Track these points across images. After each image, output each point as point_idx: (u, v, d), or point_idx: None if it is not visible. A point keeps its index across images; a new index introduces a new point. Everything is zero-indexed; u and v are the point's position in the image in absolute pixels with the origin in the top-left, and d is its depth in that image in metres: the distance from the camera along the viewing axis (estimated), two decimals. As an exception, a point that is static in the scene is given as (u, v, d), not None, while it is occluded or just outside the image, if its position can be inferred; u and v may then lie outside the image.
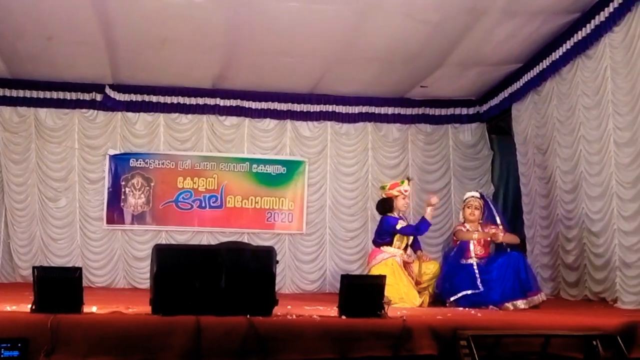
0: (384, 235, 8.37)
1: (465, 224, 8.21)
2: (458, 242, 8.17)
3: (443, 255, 8.61)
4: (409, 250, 8.44)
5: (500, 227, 8.07)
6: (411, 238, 8.46)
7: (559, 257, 8.87)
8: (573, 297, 8.37)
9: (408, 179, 8.83)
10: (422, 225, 8.28)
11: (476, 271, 7.76)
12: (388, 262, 8.09)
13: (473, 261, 7.89)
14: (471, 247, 8.00)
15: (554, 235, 9.02)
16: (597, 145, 7.91)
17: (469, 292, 7.60)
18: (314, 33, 8.59)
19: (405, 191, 8.52)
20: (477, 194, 8.41)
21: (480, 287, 7.59)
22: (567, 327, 5.55)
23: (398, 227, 8.22)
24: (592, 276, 8.00)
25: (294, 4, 7.85)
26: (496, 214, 8.28)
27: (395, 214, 8.42)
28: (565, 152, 8.70)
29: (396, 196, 8.46)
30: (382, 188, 8.79)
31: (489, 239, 8.02)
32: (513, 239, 8.19)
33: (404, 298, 7.69)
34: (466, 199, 8.37)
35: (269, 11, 8.02)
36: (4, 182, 10.64)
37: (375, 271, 7.89)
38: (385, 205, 8.55)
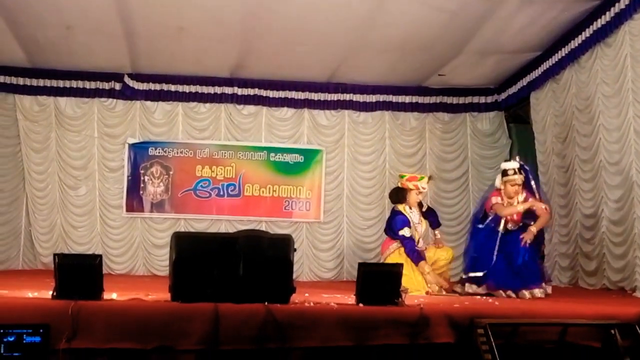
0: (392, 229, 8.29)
1: (503, 198, 7.79)
2: (491, 215, 7.83)
3: (472, 226, 8.34)
4: (421, 241, 8.35)
5: (539, 199, 7.80)
6: (424, 227, 8.40)
7: (577, 246, 8.83)
8: (591, 286, 8.33)
9: (430, 178, 8.78)
10: (414, 257, 7.98)
11: (497, 242, 7.61)
12: (402, 252, 8.08)
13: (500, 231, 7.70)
14: (502, 222, 7.73)
15: (573, 224, 8.97)
16: (616, 133, 7.85)
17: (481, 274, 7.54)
18: (331, 21, 8.58)
19: (423, 188, 8.48)
20: (517, 165, 7.79)
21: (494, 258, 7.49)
22: (585, 316, 5.54)
23: (400, 233, 8.08)
24: (610, 265, 7.96)
25: (311, -8, 7.86)
26: (535, 187, 7.93)
27: (405, 208, 8.31)
28: (584, 140, 8.64)
29: (410, 190, 8.36)
30: (401, 177, 8.74)
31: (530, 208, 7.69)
32: (545, 221, 7.85)
33: (419, 288, 7.69)
34: (507, 171, 7.72)
35: (286, 0, 8.02)
36: (25, 170, 10.76)
37: (389, 261, 7.88)
38: (398, 195, 8.44)
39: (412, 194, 8.35)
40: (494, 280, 7.41)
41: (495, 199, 7.83)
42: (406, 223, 8.13)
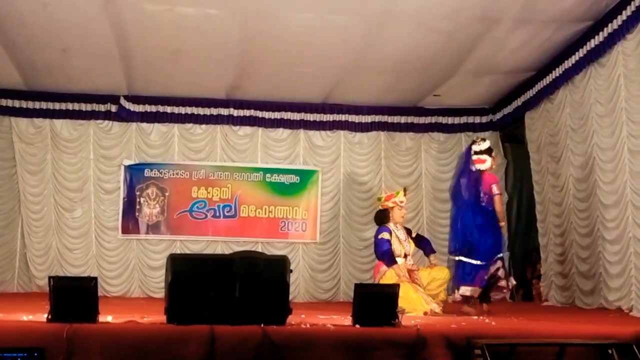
0: (376, 246, 8.34)
1: None
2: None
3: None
4: (410, 258, 8.35)
5: None
6: (412, 246, 8.41)
7: (573, 265, 8.83)
8: (588, 306, 8.32)
9: (404, 190, 8.83)
10: (386, 259, 8.09)
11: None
12: (393, 273, 8.07)
13: None
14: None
15: (569, 243, 8.98)
16: (610, 153, 7.88)
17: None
18: (326, 43, 8.63)
19: (401, 202, 8.51)
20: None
21: None
22: (582, 336, 5.51)
23: (379, 237, 8.20)
24: (607, 284, 7.95)
25: (307, 15, 7.91)
26: None
27: (391, 226, 8.38)
28: (578, 160, 8.68)
29: (392, 207, 8.46)
30: (379, 200, 8.83)
31: None
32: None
33: (415, 308, 7.65)
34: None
35: (282, 22, 8.08)
36: (21, 192, 10.75)
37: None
38: (381, 217, 8.56)
39: (394, 211, 8.45)
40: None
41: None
42: (386, 230, 8.25)
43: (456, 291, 7.83)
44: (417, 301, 7.76)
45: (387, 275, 8.07)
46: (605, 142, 8.01)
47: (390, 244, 8.20)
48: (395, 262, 8.11)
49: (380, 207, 8.70)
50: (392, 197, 8.56)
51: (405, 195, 8.69)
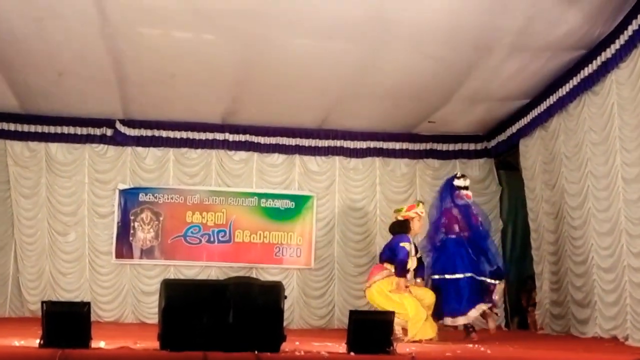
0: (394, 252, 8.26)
1: None
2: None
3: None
4: (410, 274, 8.30)
5: None
6: (415, 264, 8.35)
7: (568, 294, 8.80)
8: (583, 334, 8.28)
9: (422, 202, 8.87)
10: (400, 268, 8.08)
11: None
12: (391, 280, 8.02)
13: None
14: None
15: (563, 271, 8.96)
16: (605, 181, 7.90)
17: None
18: (322, 69, 8.68)
19: (422, 212, 8.56)
20: None
21: None
22: (577, 365, 5.49)
23: (401, 244, 8.15)
24: (602, 313, 7.92)
25: (303, 41, 7.97)
26: None
27: (410, 237, 8.35)
28: (573, 187, 8.70)
29: (412, 218, 8.45)
30: (398, 211, 8.70)
31: None
32: None
33: (422, 318, 7.72)
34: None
35: (279, 47, 8.12)
36: (14, 216, 10.70)
37: (378, 286, 7.97)
38: (402, 227, 8.43)
39: (414, 221, 8.45)
40: None
41: None
42: (408, 240, 8.24)
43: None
44: (420, 309, 7.78)
45: (388, 281, 8.03)
46: (599, 170, 8.03)
47: (408, 255, 8.17)
48: (405, 275, 8.09)
49: (399, 218, 8.55)
50: (413, 207, 8.57)
51: (422, 207, 8.72)
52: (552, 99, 9.02)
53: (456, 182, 8.53)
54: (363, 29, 7.59)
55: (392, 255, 8.20)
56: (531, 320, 10.33)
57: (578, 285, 8.51)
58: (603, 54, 7.67)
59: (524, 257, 10.86)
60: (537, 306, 9.90)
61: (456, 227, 8.30)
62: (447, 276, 8.14)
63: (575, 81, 8.39)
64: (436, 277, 8.25)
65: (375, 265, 8.56)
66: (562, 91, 8.72)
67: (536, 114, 9.55)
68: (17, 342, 5.67)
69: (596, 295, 8.05)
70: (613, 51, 7.48)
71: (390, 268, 8.14)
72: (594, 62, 7.88)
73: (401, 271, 8.06)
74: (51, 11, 7.32)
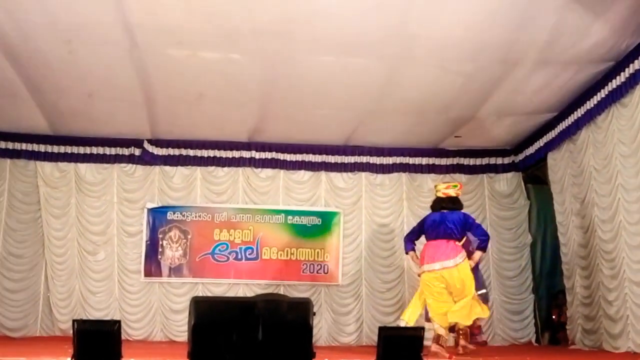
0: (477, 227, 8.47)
1: None
2: None
3: None
4: None
5: None
6: None
7: (600, 308, 8.68)
8: (616, 349, 8.14)
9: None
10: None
11: None
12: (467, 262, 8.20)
13: None
14: None
15: (595, 286, 8.84)
16: (636, 193, 7.80)
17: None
18: (347, 86, 8.71)
19: (458, 193, 8.80)
20: None
21: None
22: (611, 380, 5.41)
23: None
24: (635, 327, 7.79)
25: (328, 58, 8.01)
26: None
27: None
28: (603, 200, 8.60)
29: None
30: (455, 186, 8.76)
31: None
32: None
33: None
34: None
35: (303, 65, 8.18)
36: (45, 236, 10.82)
37: (462, 268, 8.02)
38: (459, 203, 8.60)
39: None
40: None
41: None
42: None
43: None
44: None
45: (465, 262, 8.17)
46: (630, 182, 7.94)
47: None
48: None
49: (456, 194, 8.61)
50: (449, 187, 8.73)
51: None
52: (580, 112, 8.94)
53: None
54: (386, 45, 7.61)
55: (484, 233, 8.39)
56: (563, 336, 10.19)
57: (610, 300, 8.39)
58: (631, 65, 7.60)
59: (554, 272, 10.74)
60: (568, 321, 9.77)
61: None
62: None
63: (603, 93, 8.31)
64: None
65: (447, 242, 8.23)
66: (590, 104, 8.65)
67: (564, 127, 9.47)
68: (49, 361, 5.73)
69: (629, 309, 7.92)
70: (641, 62, 7.42)
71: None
72: (622, 74, 7.81)
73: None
74: (80, 34, 7.45)
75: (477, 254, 8.29)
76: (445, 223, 8.24)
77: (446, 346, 8.00)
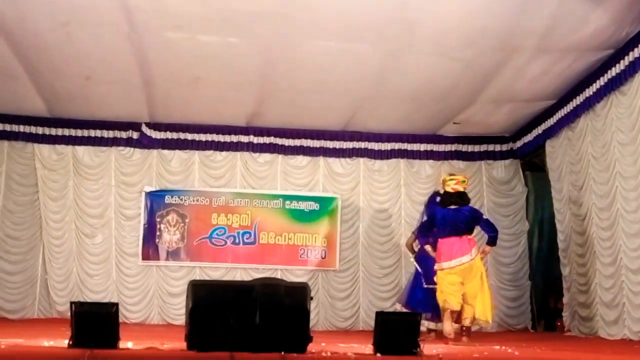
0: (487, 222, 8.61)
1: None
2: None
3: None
4: None
5: None
6: None
7: (596, 295, 8.71)
8: (612, 337, 8.18)
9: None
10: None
11: None
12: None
13: None
14: None
15: (592, 273, 8.87)
16: (633, 181, 7.81)
17: None
18: (346, 71, 8.69)
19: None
20: None
21: None
22: (606, 367, 5.44)
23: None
24: (631, 314, 7.82)
25: (326, 43, 7.98)
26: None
27: None
28: (601, 188, 8.61)
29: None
30: (464, 181, 8.67)
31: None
32: None
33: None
34: None
35: (302, 50, 8.15)
36: (42, 219, 10.83)
37: (479, 263, 8.18)
38: (467, 198, 8.55)
39: None
40: None
41: None
42: None
43: None
44: None
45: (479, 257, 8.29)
46: (628, 170, 7.95)
47: None
48: None
49: (449, 189, 8.46)
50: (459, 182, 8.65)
51: None
52: (579, 100, 8.93)
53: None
54: (385, 30, 7.59)
55: (494, 228, 8.48)
56: (559, 323, 10.23)
57: (606, 287, 8.42)
58: (631, 53, 7.58)
59: (551, 259, 10.78)
60: (564, 308, 9.81)
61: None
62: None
63: (602, 81, 8.29)
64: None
65: (460, 239, 8.19)
66: (589, 91, 8.63)
67: (562, 114, 9.46)
68: (46, 343, 5.74)
69: (625, 296, 7.95)
70: (641, 50, 7.41)
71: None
72: (622, 61, 7.79)
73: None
74: (78, 16, 7.41)
75: (487, 248, 8.46)
76: (457, 220, 8.22)
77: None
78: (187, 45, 8.05)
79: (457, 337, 7.99)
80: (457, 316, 8.11)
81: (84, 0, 7.09)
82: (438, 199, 8.78)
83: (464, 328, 8.07)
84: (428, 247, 8.63)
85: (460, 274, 8.06)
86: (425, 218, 9.14)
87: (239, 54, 8.26)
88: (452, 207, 8.29)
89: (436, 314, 8.48)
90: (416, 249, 9.30)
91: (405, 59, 8.30)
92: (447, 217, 8.25)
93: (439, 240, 8.26)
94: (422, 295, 8.89)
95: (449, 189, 8.41)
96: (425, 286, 8.84)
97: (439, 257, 8.22)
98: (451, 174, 9.15)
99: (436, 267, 8.28)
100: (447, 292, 8.03)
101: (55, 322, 9.37)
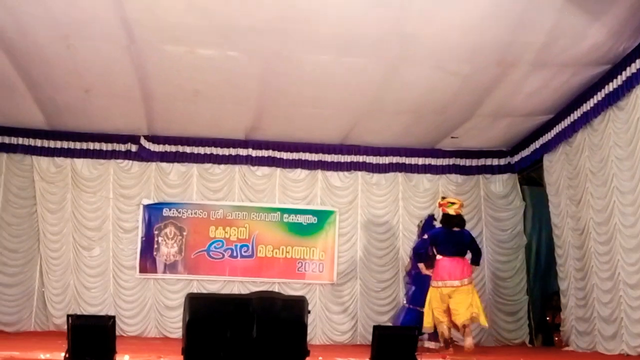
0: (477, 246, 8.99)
1: None
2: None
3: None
4: None
5: None
6: None
7: (594, 310, 8.70)
8: (609, 352, 8.17)
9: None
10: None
11: None
12: None
13: None
14: None
15: (590, 287, 8.86)
16: (631, 196, 7.82)
17: None
18: (344, 85, 8.71)
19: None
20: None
21: None
22: (604, 382, 5.42)
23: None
24: (629, 329, 7.81)
25: (325, 57, 8.01)
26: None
27: None
28: (598, 203, 8.62)
29: None
30: (463, 206, 9.13)
31: None
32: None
33: None
34: None
35: (301, 64, 8.17)
36: (40, 231, 10.81)
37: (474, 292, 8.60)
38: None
39: None
40: None
41: None
42: None
43: None
44: None
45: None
46: (625, 185, 7.96)
47: None
48: None
49: (451, 212, 8.86)
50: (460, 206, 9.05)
51: None
52: (576, 114, 8.96)
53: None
54: (384, 45, 7.62)
55: (478, 250, 8.91)
56: (557, 338, 10.21)
57: (604, 302, 8.41)
58: (628, 69, 7.62)
59: (549, 273, 10.78)
60: (562, 323, 9.79)
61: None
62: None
63: (599, 96, 8.33)
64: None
65: (462, 260, 8.65)
66: (587, 106, 8.66)
67: (560, 129, 9.49)
68: (42, 356, 5.73)
69: (623, 311, 7.94)
70: (638, 66, 7.42)
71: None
72: (619, 77, 7.82)
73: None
74: (78, 30, 7.44)
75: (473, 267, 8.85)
76: (461, 241, 8.70)
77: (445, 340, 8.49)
78: (187, 59, 8.08)
79: (458, 351, 8.04)
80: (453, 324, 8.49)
81: (84, 14, 7.11)
82: (434, 222, 9.31)
83: (465, 327, 8.29)
84: (422, 265, 8.87)
85: (457, 291, 8.38)
86: (423, 237, 9.21)
87: (238, 67, 8.29)
88: (455, 229, 8.69)
89: (433, 334, 8.73)
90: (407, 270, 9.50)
91: (403, 73, 8.33)
92: (450, 238, 8.65)
93: (443, 258, 8.53)
94: (409, 317, 9.05)
95: (451, 212, 8.77)
96: (411, 307, 9.17)
97: (438, 274, 8.48)
98: (447, 198, 9.30)
99: (439, 284, 8.44)
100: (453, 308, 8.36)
101: (52, 335, 9.35)
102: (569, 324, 9.45)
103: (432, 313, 8.42)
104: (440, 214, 9.06)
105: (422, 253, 8.94)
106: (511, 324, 11.01)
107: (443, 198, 9.39)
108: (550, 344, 10.58)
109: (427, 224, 9.55)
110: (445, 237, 8.66)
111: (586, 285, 8.97)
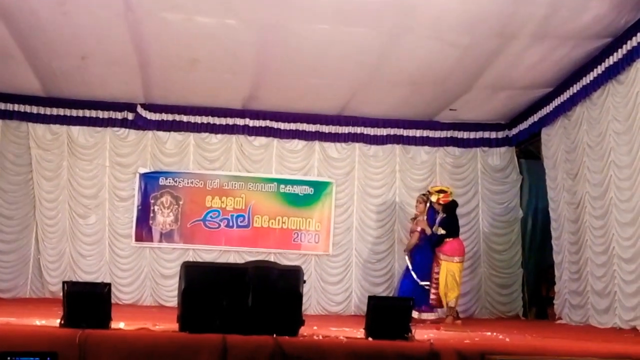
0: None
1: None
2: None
3: None
4: None
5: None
6: None
7: (588, 284, 8.75)
8: (603, 325, 8.23)
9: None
10: None
11: None
12: None
13: None
14: None
15: (583, 261, 8.90)
16: (627, 170, 7.82)
17: None
18: (343, 55, 8.64)
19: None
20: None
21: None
22: (596, 354, 5.45)
23: None
24: (622, 303, 7.86)
25: (324, 27, 7.93)
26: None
27: None
28: (595, 177, 8.62)
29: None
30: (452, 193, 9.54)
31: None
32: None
33: None
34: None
35: (299, 33, 8.10)
36: (36, 198, 10.80)
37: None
38: None
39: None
40: None
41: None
42: None
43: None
44: None
45: None
46: (622, 159, 7.95)
47: None
48: None
49: (441, 202, 9.35)
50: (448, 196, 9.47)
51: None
52: (576, 88, 8.92)
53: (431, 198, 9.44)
54: (383, 15, 7.55)
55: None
56: (550, 311, 10.27)
57: (598, 275, 8.45)
58: (629, 42, 7.57)
59: (544, 247, 10.80)
60: (556, 296, 9.85)
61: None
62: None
63: (599, 70, 8.28)
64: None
65: (458, 241, 9.25)
66: (586, 80, 8.62)
67: (559, 102, 9.46)
68: (38, 322, 5.74)
69: (616, 285, 7.99)
70: (639, 39, 7.37)
71: None
72: (619, 50, 7.77)
73: None
74: (75, -5, 7.36)
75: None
76: None
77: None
78: (184, 27, 7.99)
79: (449, 323, 8.10)
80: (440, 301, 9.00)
81: (80, -22, 7.03)
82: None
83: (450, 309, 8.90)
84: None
85: None
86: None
87: (236, 36, 8.21)
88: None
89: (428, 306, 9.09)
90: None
91: (402, 43, 8.26)
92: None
93: (458, 238, 9.26)
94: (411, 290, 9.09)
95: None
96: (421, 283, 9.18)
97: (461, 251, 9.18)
98: (437, 188, 9.67)
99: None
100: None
101: (48, 302, 9.37)
102: (562, 297, 9.51)
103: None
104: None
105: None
106: (505, 297, 11.08)
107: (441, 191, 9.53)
108: (544, 316, 10.65)
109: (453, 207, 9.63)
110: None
111: (580, 259, 9.01)
